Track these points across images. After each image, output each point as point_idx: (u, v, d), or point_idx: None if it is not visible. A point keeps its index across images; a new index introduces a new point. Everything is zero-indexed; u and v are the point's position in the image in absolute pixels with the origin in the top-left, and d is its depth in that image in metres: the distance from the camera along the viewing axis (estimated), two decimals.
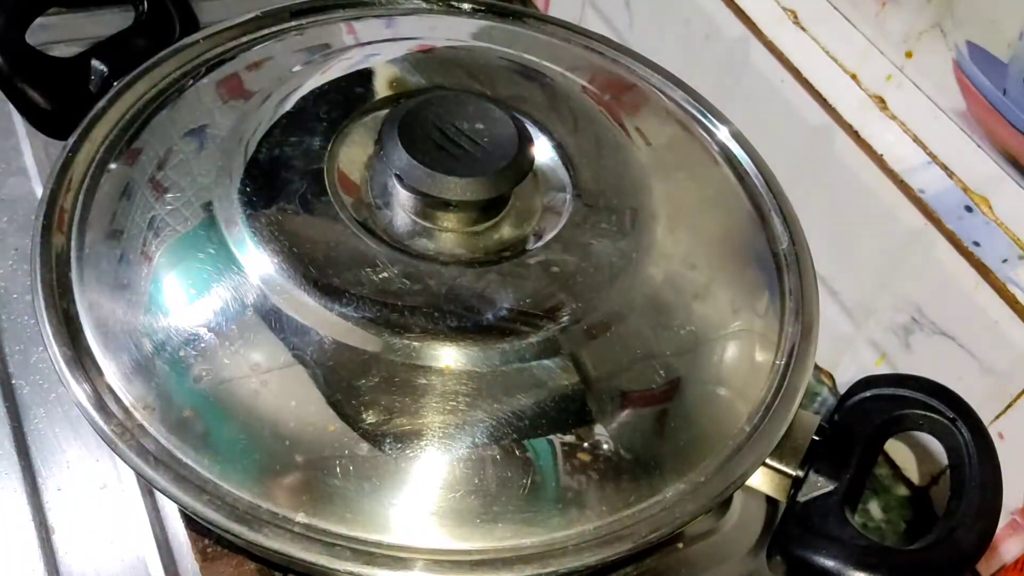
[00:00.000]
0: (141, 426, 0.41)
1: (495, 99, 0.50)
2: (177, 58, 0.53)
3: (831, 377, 0.67)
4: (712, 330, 0.46)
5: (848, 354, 0.65)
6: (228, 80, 0.51)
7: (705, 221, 0.50)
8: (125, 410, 0.41)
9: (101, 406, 0.41)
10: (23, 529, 0.52)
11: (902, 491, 0.63)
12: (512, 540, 0.40)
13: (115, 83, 0.52)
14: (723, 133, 0.55)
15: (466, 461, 0.40)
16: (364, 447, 0.40)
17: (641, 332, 0.44)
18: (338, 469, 0.40)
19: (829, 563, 0.42)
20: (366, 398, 0.40)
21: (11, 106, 0.53)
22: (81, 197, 0.47)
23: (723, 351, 0.46)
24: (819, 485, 0.44)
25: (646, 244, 0.46)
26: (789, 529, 0.43)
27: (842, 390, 0.56)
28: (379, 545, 0.39)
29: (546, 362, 0.42)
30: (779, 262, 0.50)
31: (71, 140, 0.48)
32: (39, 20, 0.55)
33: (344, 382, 0.41)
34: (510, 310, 0.43)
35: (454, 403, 0.41)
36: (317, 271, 0.43)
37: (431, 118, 0.45)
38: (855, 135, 0.58)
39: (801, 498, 0.44)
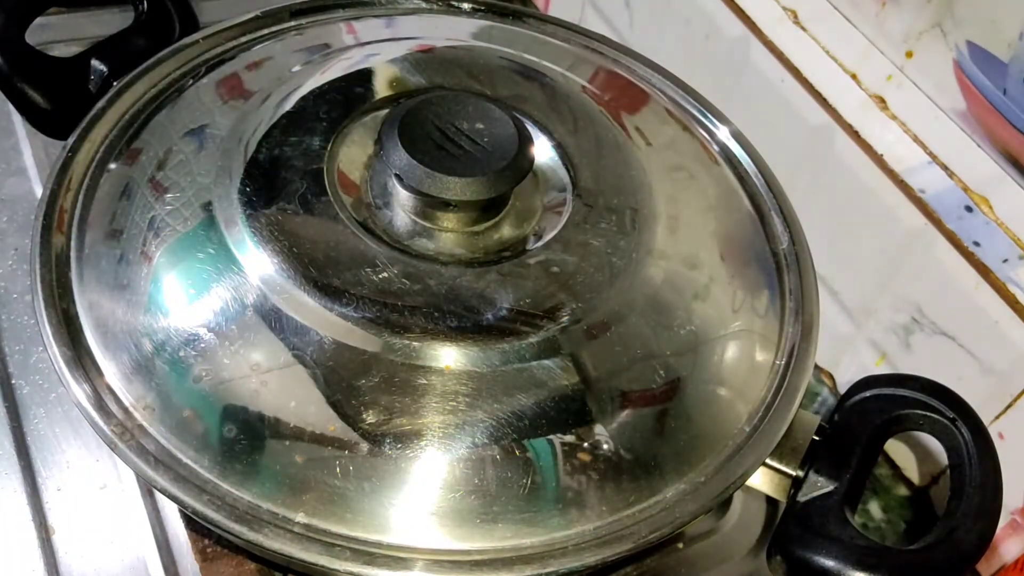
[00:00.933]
0: (141, 426, 0.41)
1: (495, 99, 0.50)
2: (177, 58, 0.53)
3: (831, 377, 0.67)
4: (712, 330, 0.46)
5: (848, 354, 0.65)
6: (228, 80, 0.51)
7: (705, 221, 0.50)
8: (125, 410, 0.41)
9: (101, 406, 0.41)
10: (23, 529, 0.52)
11: (902, 491, 0.63)
12: (512, 540, 0.39)
13: (115, 83, 0.52)
14: (723, 133, 0.55)
15: (466, 461, 0.40)
16: (364, 447, 0.40)
17: (641, 332, 0.44)
18: (338, 469, 0.40)
19: (829, 563, 0.41)
20: (366, 398, 0.40)
21: (11, 106, 0.53)
22: (81, 197, 0.47)
23: (723, 351, 0.46)
24: (819, 485, 0.44)
25: (646, 244, 0.46)
26: (789, 529, 0.43)
27: (842, 390, 0.56)
28: (379, 545, 0.39)
29: (546, 362, 0.42)
30: (779, 262, 0.50)
31: (71, 140, 0.48)
32: (39, 20, 0.55)
33: (344, 382, 0.41)
34: (510, 310, 0.43)
35: (454, 403, 0.41)
36: (317, 271, 0.43)
37: (431, 118, 0.45)
38: (855, 135, 0.58)
39: (801, 498, 0.44)
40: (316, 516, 0.39)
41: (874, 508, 0.61)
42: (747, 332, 0.47)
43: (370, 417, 0.40)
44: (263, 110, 0.49)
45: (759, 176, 0.54)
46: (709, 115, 0.56)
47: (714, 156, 0.54)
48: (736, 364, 0.46)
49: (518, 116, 0.47)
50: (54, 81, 0.53)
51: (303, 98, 0.49)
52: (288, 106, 0.48)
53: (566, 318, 0.43)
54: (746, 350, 0.46)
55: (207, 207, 0.45)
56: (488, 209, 0.46)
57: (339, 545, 0.38)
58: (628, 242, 0.46)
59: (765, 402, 0.45)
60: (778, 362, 0.46)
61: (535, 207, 0.48)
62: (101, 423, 0.40)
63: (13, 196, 0.66)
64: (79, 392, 0.41)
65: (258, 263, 0.43)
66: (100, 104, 0.50)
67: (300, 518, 0.39)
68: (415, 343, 0.41)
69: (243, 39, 0.55)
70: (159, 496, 0.54)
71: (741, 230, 0.51)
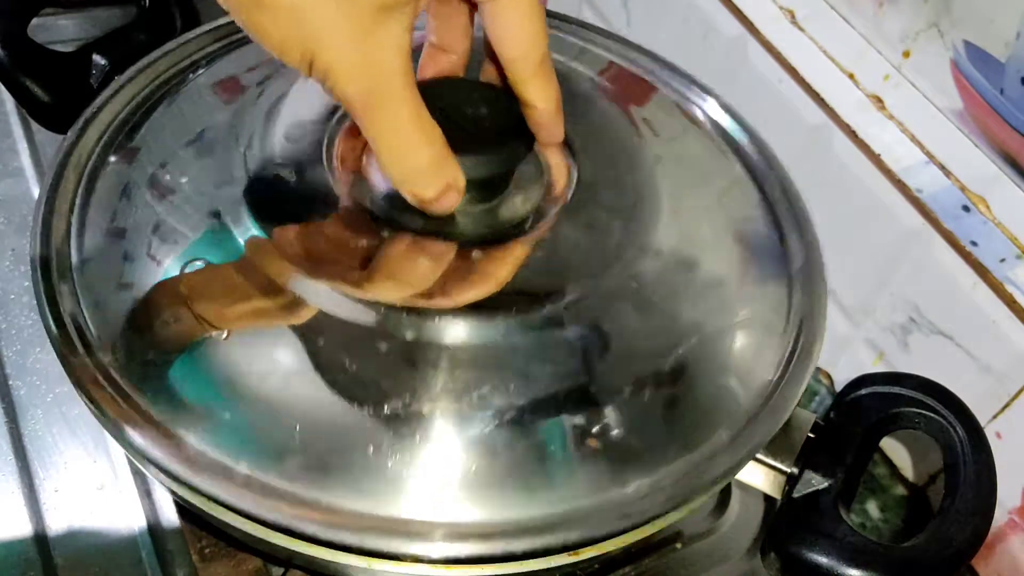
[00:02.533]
0: (149, 418, 0.41)
1: (498, 86, 0.49)
2: (177, 53, 0.53)
3: (829, 376, 0.67)
4: (714, 319, 0.45)
5: (846, 354, 0.65)
6: (228, 75, 0.51)
7: (708, 207, 0.49)
8: (129, 408, 0.41)
9: (103, 406, 0.41)
10: (20, 530, 0.52)
11: (900, 491, 0.63)
12: (515, 512, 0.39)
13: (116, 77, 0.52)
14: (727, 121, 0.55)
15: (470, 437, 0.40)
16: (371, 424, 0.40)
17: (640, 319, 0.43)
18: (345, 445, 0.39)
19: (822, 559, 0.41)
20: (371, 375, 0.40)
21: (6, 107, 0.53)
22: (80, 194, 0.47)
23: (724, 342, 0.45)
24: (814, 482, 0.44)
25: (648, 228, 0.46)
26: (783, 526, 0.43)
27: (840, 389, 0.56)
28: (384, 519, 0.39)
29: (548, 341, 0.42)
30: (786, 251, 0.49)
31: (71, 135, 0.48)
32: (39, 20, 0.55)
33: (349, 360, 0.41)
34: (512, 288, 0.43)
35: (459, 379, 0.41)
36: (319, 252, 0.43)
37: (434, 103, 0.45)
38: (853, 135, 0.59)
39: (796, 495, 0.44)
40: (324, 492, 0.39)
41: (872, 508, 0.61)
42: (749, 322, 0.46)
43: (376, 394, 0.40)
44: (262, 102, 0.49)
45: (765, 163, 0.53)
46: (714, 101, 0.56)
47: (718, 143, 0.53)
48: (737, 355, 0.45)
49: None
50: (56, 75, 0.53)
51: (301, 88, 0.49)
52: (287, 98, 0.49)
53: (567, 299, 0.42)
54: (748, 341, 0.46)
55: (207, 200, 0.45)
56: (489, 188, 0.46)
57: (347, 522, 0.38)
58: (630, 225, 0.46)
59: (764, 395, 0.44)
60: (781, 355, 0.46)
61: (537, 190, 0.48)
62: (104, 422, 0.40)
63: (9, 197, 0.66)
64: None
65: (258, 249, 0.43)
66: (100, 99, 0.50)
67: (308, 494, 0.39)
68: (419, 320, 0.41)
69: (243, 34, 0.55)
70: (156, 496, 0.54)
71: (745, 216, 0.50)
